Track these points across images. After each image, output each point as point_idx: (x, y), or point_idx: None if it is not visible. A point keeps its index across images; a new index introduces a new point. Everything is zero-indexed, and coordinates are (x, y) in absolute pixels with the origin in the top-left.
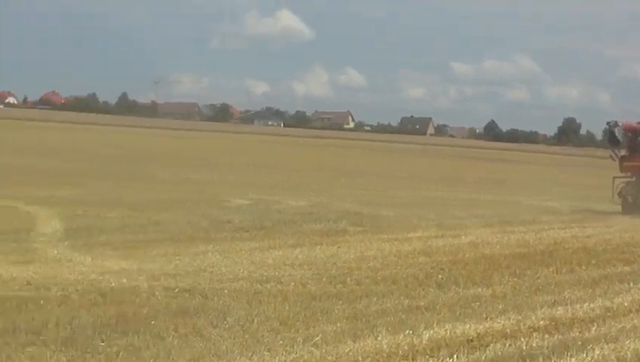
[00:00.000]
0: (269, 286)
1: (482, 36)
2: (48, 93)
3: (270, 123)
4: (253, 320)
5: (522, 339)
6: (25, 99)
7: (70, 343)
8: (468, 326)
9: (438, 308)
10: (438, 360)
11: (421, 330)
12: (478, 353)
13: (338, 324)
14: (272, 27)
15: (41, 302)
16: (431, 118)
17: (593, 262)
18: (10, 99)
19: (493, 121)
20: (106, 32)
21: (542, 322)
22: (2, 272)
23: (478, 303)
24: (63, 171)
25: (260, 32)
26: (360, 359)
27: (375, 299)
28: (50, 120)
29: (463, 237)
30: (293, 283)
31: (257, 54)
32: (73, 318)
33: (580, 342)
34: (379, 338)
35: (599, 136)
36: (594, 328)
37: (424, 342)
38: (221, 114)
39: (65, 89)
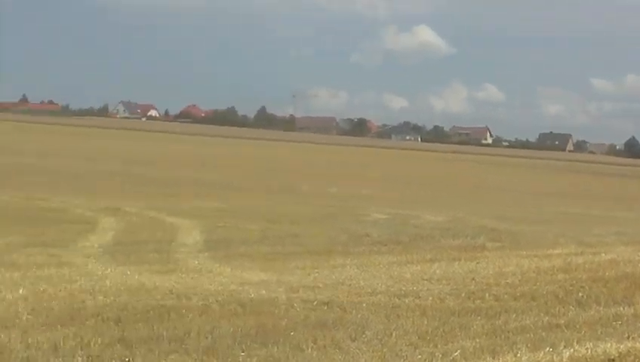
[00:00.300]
0: (407, 301)
1: (623, 52)
2: (189, 107)
3: (408, 138)
4: (391, 334)
5: None
6: (166, 113)
7: (211, 352)
8: (609, 345)
9: (578, 326)
10: None
11: (561, 348)
12: None
13: (477, 340)
14: (410, 42)
15: (183, 311)
16: (570, 135)
17: None
18: (152, 112)
19: (633, 138)
20: (245, 47)
21: None
22: (146, 281)
23: (619, 322)
24: (203, 183)
25: (398, 47)
26: None
27: (514, 315)
28: (190, 133)
29: (603, 254)
30: (431, 298)
31: (395, 69)
32: (214, 328)
33: None
34: (518, 355)
35: None
36: None
37: (564, 360)
38: (358, 128)
39: (205, 102)
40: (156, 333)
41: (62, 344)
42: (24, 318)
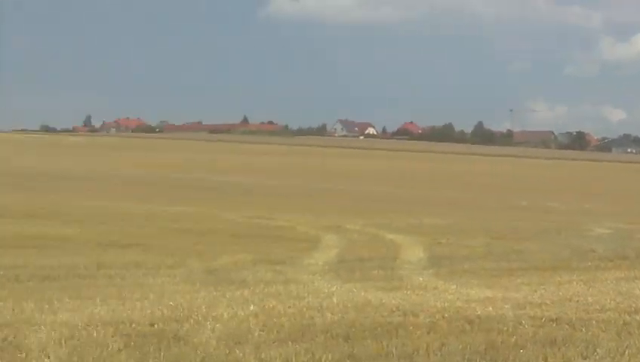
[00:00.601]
0: (638, 318)
1: None
2: (406, 124)
3: (629, 150)
4: (624, 353)
5: None
6: (384, 130)
7: None
8: None
9: None
10: None
11: None
12: None
13: None
14: (627, 52)
15: (410, 328)
16: None
17: None
18: (370, 130)
19: None
20: (461, 62)
21: None
22: (371, 298)
23: None
24: (421, 200)
25: (616, 57)
26: None
27: None
28: (407, 150)
29: None
30: None
31: (612, 80)
32: (442, 345)
33: None
34: None
35: None
36: None
37: None
38: (577, 142)
39: (422, 119)
40: (385, 350)
41: (293, 359)
42: (256, 334)
